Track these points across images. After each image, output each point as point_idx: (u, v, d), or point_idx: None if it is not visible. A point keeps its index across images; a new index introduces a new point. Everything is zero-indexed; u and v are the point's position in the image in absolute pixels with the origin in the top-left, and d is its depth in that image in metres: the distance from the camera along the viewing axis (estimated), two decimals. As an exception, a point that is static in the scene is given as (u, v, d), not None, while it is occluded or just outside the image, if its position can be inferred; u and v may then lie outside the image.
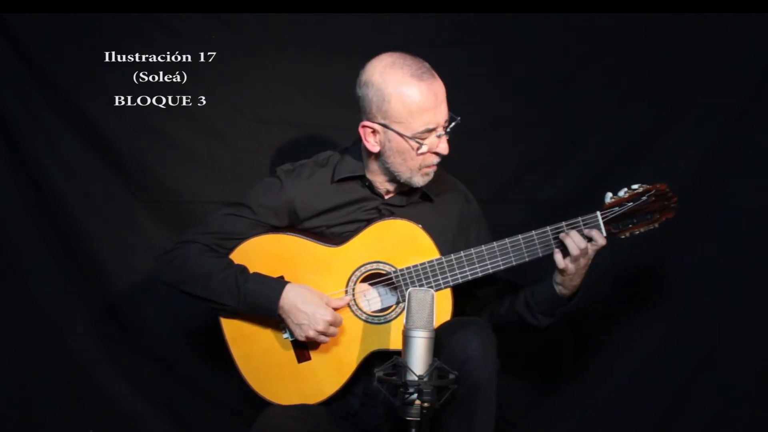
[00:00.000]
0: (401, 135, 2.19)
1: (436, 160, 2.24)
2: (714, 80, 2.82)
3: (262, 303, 2.23)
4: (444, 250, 2.27)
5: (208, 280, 2.24)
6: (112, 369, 2.86)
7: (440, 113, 2.20)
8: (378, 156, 2.26)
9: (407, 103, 2.17)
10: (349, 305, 2.26)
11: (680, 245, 2.85)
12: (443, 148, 2.23)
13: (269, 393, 2.28)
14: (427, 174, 2.26)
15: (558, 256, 2.22)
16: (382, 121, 2.21)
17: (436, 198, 2.35)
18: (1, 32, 2.76)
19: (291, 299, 2.21)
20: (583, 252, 2.20)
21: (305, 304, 2.21)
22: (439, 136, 2.21)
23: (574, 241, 2.20)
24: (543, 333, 2.35)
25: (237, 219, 2.30)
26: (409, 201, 2.33)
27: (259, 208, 2.29)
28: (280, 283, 2.24)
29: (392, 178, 2.29)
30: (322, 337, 2.23)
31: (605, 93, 2.87)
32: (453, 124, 2.24)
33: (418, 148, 2.20)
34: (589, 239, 2.22)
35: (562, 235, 2.22)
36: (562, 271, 2.23)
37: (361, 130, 2.25)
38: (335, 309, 2.24)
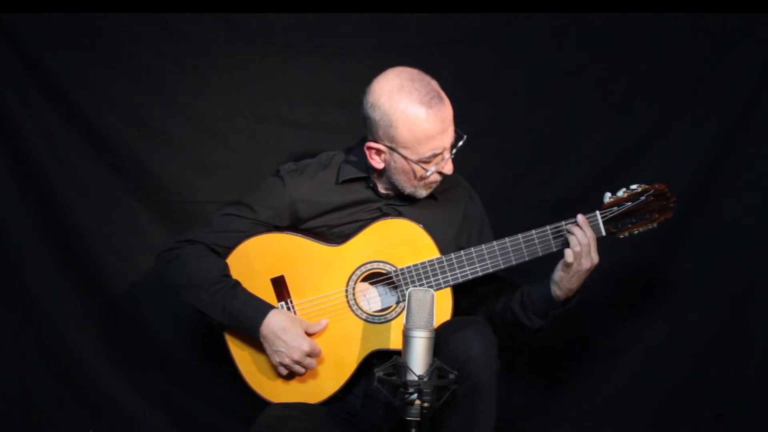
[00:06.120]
0: (407, 159, 2.19)
1: (439, 178, 2.26)
2: (714, 80, 2.82)
3: (245, 324, 2.23)
4: (447, 247, 2.27)
5: (199, 290, 2.24)
6: (112, 369, 2.86)
7: (447, 138, 2.20)
8: (382, 171, 2.27)
9: (415, 131, 2.16)
10: (349, 304, 2.26)
11: (679, 245, 2.85)
12: (448, 168, 2.23)
13: (269, 393, 2.28)
14: (430, 188, 2.28)
15: (568, 251, 2.19)
16: (389, 144, 2.20)
17: (440, 195, 2.35)
18: (1, 32, 2.75)
19: (271, 326, 2.21)
20: (586, 250, 2.19)
21: (284, 332, 2.21)
22: (444, 159, 2.22)
23: (576, 236, 2.19)
24: (534, 336, 2.32)
25: (238, 219, 2.29)
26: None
27: (260, 208, 2.29)
28: (265, 306, 2.23)
29: (394, 188, 2.29)
30: (297, 367, 2.22)
31: (605, 93, 2.87)
32: (460, 144, 2.23)
33: (423, 173, 2.21)
34: None
35: (569, 226, 2.21)
36: (568, 267, 2.20)
37: (366, 150, 2.25)
38: (314, 334, 2.24)
